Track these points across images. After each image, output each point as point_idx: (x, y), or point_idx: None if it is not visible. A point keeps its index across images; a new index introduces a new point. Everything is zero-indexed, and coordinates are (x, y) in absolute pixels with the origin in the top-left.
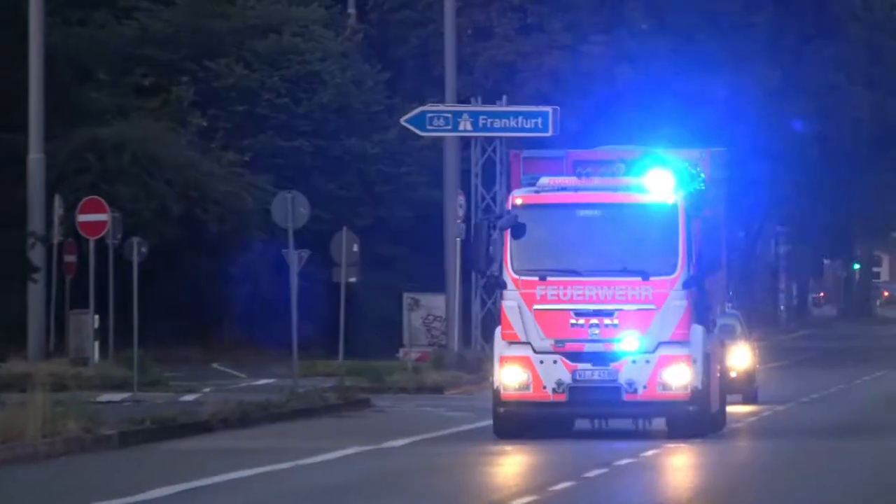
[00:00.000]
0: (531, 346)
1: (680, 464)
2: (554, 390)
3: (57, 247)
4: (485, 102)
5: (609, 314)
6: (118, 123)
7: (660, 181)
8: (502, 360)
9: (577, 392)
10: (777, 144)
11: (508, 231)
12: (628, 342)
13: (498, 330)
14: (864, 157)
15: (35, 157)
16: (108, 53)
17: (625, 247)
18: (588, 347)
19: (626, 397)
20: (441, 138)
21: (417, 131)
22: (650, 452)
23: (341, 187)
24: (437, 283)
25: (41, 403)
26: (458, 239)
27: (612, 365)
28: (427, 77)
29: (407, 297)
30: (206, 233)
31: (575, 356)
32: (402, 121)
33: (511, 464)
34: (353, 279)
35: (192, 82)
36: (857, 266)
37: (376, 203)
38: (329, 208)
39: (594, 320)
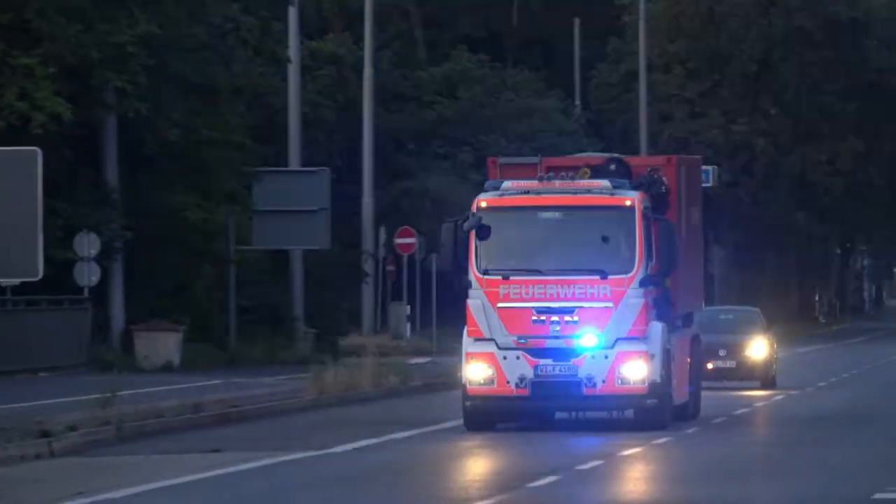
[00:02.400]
0: (495, 342)
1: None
2: (517, 385)
3: (381, 260)
4: None
5: (569, 311)
6: (422, 178)
7: (619, 185)
8: (468, 356)
9: (539, 387)
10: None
11: (473, 233)
12: (587, 338)
13: (465, 327)
14: None
15: (367, 200)
16: (415, 131)
17: (584, 247)
18: (549, 343)
19: (585, 391)
20: None
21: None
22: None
23: None
24: None
25: (371, 364)
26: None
27: (573, 360)
28: (631, 148)
29: None
30: None
31: (537, 352)
32: None
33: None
34: None
35: (471, 150)
36: None
37: None
38: None
39: (555, 317)
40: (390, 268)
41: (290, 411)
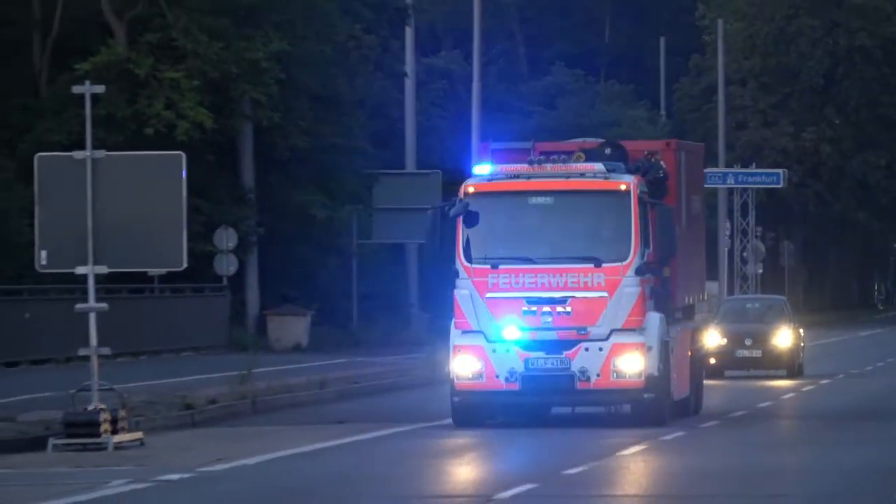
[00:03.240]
0: (484, 334)
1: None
2: (507, 379)
3: None
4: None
5: (562, 302)
6: None
7: (613, 168)
8: (455, 349)
9: (530, 381)
10: None
11: (461, 220)
12: (581, 330)
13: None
14: None
15: None
16: (519, 138)
17: (577, 234)
18: (540, 336)
19: (579, 385)
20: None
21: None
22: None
23: None
24: None
25: None
26: None
27: (565, 353)
28: (710, 154)
29: None
30: None
31: (527, 345)
32: None
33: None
34: None
35: None
36: None
37: None
38: None
39: (546, 308)
40: None
41: (406, 387)
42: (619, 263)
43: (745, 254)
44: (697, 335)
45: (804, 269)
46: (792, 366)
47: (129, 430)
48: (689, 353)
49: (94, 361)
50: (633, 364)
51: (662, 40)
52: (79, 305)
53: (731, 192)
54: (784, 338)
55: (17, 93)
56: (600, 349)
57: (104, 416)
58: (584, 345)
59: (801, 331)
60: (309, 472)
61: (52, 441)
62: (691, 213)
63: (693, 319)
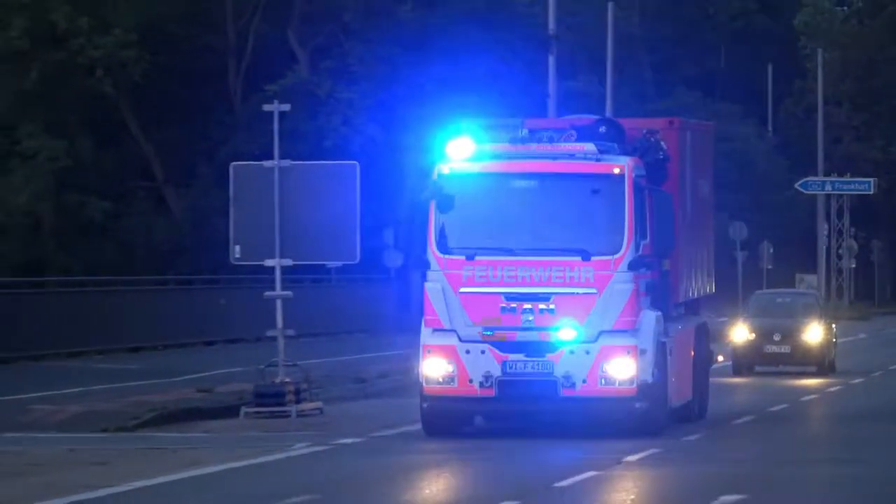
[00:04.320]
0: (456, 333)
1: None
2: (481, 384)
3: None
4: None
5: (545, 298)
6: None
7: (606, 149)
8: (425, 349)
9: (508, 386)
10: None
11: (432, 204)
12: (566, 331)
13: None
14: None
15: None
16: None
17: (564, 222)
18: (520, 336)
19: (562, 392)
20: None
21: (803, 190)
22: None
23: None
24: None
25: None
26: None
27: (548, 356)
28: (809, 164)
29: None
30: None
31: (505, 346)
32: (797, 185)
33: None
34: None
35: None
36: None
37: None
38: None
39: (527, 305)
40: None
41: None
42: (610, 256)
43: (840, 251)
44: (703, 332)
45: (892, 264)
46: (822, 362)
47: (310, 401)
48: (692, 354)
49: (281, 341)
50: (623, 369)
51: (770, 66)
52: (267, 293)
53: (828, 197)
54: (814, 333)
55: (216, 110)
56: (587, 352)
57: (289, 388)
58: (569, 347)
59: (834, 326)
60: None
61: (244, 409)
62: (698, 198)
63: (699, 315)
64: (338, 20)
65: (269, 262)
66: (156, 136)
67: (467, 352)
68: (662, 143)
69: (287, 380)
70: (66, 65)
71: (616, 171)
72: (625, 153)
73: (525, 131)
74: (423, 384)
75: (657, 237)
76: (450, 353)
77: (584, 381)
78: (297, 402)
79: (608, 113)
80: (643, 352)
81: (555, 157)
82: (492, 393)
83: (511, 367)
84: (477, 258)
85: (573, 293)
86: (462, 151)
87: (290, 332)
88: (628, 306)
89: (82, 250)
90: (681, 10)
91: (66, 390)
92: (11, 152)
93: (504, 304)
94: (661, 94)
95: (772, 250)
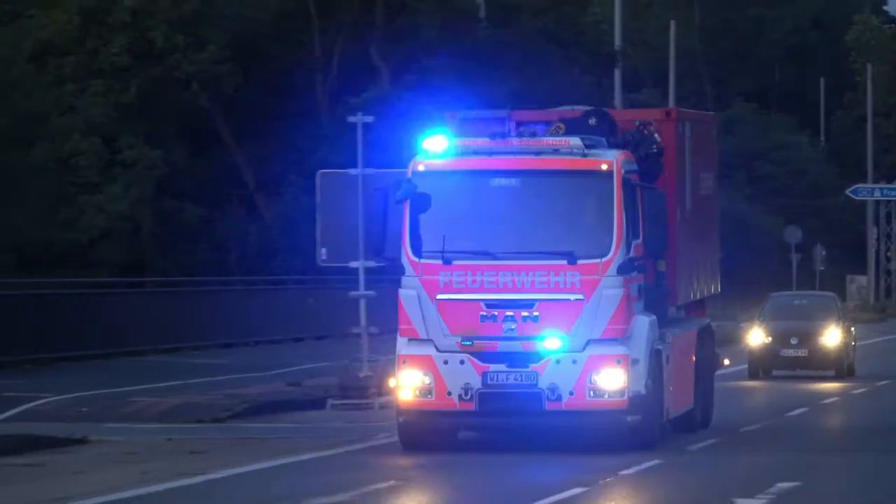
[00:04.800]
0: (433, 343)
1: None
2: (461, 397)
3: None
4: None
5: (528, 306)
6: None
7: (594, 143)
8: (401, 359)
9: (489, 399)
10: None
11: (407, 204)
12: (551, 340)
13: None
14: None
15: None
16: None
17: (548, 223)
18: (502, 346)
19: (547, 406)
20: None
21: (854, 196)
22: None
23: None
24: None
25: None
26: None
27: (532, 366)
28: (858, 172)
29: None
30: None
31: (486, 356)
32: (847, 192)
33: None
34: None
35: (745, 172)
36: None
37: None
38: None
39: (509, 313)
40: None
41: None
42: (598, 260)
43: (888, 253)
44: (707, 335)
45: None
46: (840, 366)
47: (391, 394)
48: (694, 359)
49: (365, 337)
50: (613, 380)
51: (822, 80)
52: (352, 292)
53: (877, 203)
54: (832, 336)
55: (304, 122)
56: (574, 362)
57: (372, 381)
58: (554, 357)
59: (853, 329)
60: None
61: (330, 401)
62: (699, 193)
63: (703, 316)
64: (417, 37)
65: (353, 264)
66: (247, 146)
67: (445, 362)
68: (657, 135)
69: (370, 374)
70: (163, 79)
71: (604, 167)
72: (615, 147)
73: (508, 125)
74: (399, 397)
75: (650, 238)
76: (427, 364)
77: (570, 394)
78: (380, 395)
79: None
80: (635, 361)
81: (538, 153)
82: (472, 406)
83: (492, 379)
84: (454, 263)
85: (558, 299)
86: (439, 147)
87: (374, 329)
88: (618, 313)
89: (179, 253)
90: (738, 28)
91: (164, 383)
92: (113, 161)
93: (484, 312)
94: (720, 107)
95: (824, 253)
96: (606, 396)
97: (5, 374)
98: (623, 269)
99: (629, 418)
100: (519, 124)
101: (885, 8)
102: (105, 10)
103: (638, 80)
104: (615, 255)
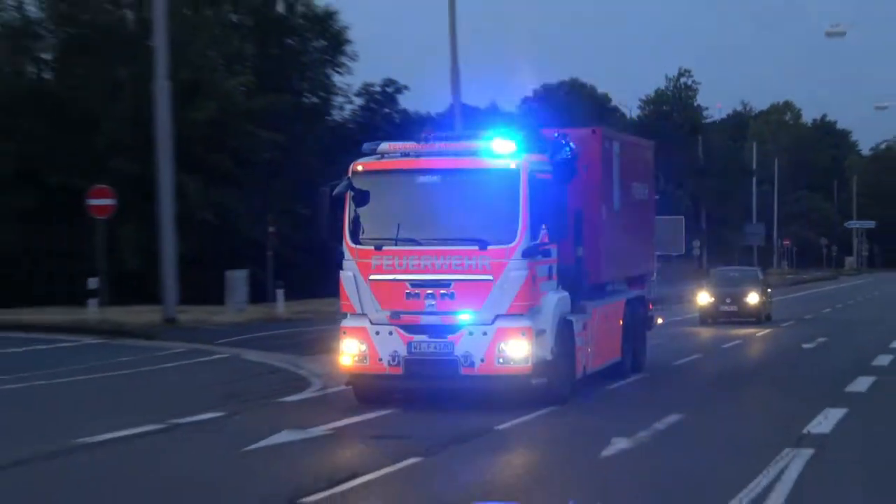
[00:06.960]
0: (368, 317)
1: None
2: (389, 363)
3: None
4: None
5: (445, 285)
6: None
7: (504, 145)
8: (341, 331)
9: (413, 364)
10: None
11: (347, 198)
12: (465, 314)
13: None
14: None
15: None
16: None
17: (465, 214)
18: (424, 319)
19: (463, 371)
20: None
21: None
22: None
23: None
24: None
25: None
26: None
27: (449, 337)
28: None
29: None
30: None
31: (411, 328)
32: None
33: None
34: None
35: None
36: None
37: None
38: None
39: (430, 291)
40: None
41: None
42: (505, 246)
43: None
44: (638, 303)
45: None
46: (759, 316)
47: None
48: (621, 322)
49: None
50: (518, 349)
51: None
52: None
53: None
54: (753, 297)
55: None
56: (484, 334)
57: None
58: (467, 329)
59: (770, 290)
60: None
61: None
62: (631, 197)
63: (642, 289)
64: None
65: None
66: None
67: (377, 333)
68: (571, 144)
69: None
70: None
71: (512, 166)
72: (533, 151)
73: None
74: (341, 362)
75: (552, 226)
76: (362, 334)
77: (482, 360)
78: None
79: None
80: (541, 332)
81: (457, 154)
82: (399, 371)
83: (416, 348)
84: (384, 248)
85: (471, 280)
86: (375, 151)
87: None
88: (522, 291)
89: None
90: None
91: None
92: None
93: (409, 290)
94: None
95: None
96: (512, 363)
97: None
98: (527, 254)
99: (534, 381)
100: (442, 130)
101: None
102: None
103: None
104: (520, 242)
